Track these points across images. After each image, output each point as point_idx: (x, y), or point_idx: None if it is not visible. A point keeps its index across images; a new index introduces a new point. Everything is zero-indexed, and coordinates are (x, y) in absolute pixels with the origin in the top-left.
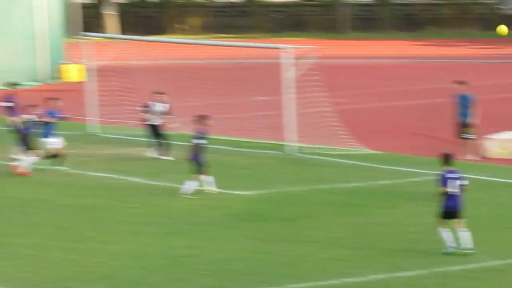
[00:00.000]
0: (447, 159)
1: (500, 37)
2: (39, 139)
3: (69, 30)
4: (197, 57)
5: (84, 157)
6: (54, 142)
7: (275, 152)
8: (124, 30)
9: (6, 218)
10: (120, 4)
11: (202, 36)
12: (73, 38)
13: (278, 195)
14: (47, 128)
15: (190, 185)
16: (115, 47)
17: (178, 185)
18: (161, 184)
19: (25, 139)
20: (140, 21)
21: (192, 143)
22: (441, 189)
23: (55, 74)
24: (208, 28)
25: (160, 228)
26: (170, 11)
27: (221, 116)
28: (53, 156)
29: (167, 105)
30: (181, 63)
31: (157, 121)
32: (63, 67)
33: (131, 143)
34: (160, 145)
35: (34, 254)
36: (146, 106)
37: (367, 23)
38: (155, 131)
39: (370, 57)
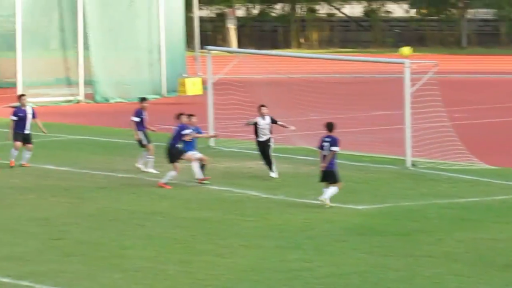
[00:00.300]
0: None
1: (403, 56)
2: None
3: (189, 43)
4: (316, 71)
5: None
6: (197, 154)
7: (392, 166)
8: (242, 44)
9: (122, 230)
10: (239, 18)
11: (321, 50)
12: (192, 51)
13: (393, 209)
14: (188, 143)
15: (329, 193)
16: (233, 60)
17: (295, 199)
18: (278, 198)
19: (171, 152)
20: (258, 35)
21: (325, 152)
22: None
23: (176, 87)
24: (327, 42)
25: (276, 241)
26: (289, 25)
27: (339, 130)
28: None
29: (270, 118)
30: (300, 77)
31: (264, 136)
32: (182, 80)
33: (247, 156)
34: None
35: (149, 267)
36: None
37: (487, 38)
38: (263, 146)
39: (490, 72)
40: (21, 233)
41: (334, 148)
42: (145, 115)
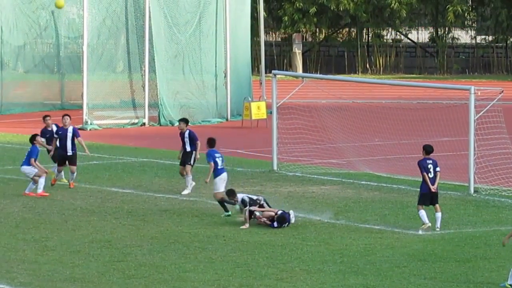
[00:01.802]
0: None
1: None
2: None
3: (254, 67)
4: (381, 97)
5: (264, 195)
6: None
7: (454, 192)
8: (308, 69)
9: (183, 253)
10: (305, 43)
11: (387, 76)
12: (258, 75)
13: (455, 235)
14: None
15: (423, 216)
16: (299, 85)
17: (357, 224)
18: (340, 223)
19: None
20: (323, 60)
21: (431, 174)
22: None
23: (241, 111)
24: (393, 68)
25: (336, 266)
26: (354, 50)
27: (402, 156)
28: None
29: None
30: (365, 102)
31: None
32: (247, 104)
33: (310, 181)
34: None
35: None
36: None
37: None
38: None
39: None
40: (82, 255)
41: (438, 169)
42: (185, 136)
